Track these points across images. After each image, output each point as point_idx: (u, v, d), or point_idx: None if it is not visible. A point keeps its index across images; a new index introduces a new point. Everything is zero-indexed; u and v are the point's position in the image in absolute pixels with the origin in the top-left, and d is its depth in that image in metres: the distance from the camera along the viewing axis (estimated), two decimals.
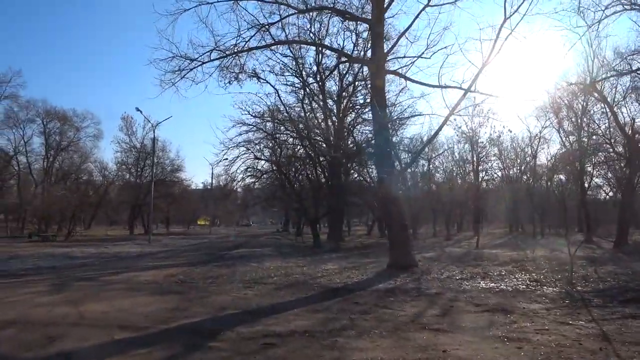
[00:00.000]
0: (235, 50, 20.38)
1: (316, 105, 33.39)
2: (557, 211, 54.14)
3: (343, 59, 22.50)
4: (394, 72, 18.74)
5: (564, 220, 44.72)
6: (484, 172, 52.21)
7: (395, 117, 19.96)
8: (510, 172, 55.19)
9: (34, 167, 56.07)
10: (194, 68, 21.31)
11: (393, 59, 19.63)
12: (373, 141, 28.21)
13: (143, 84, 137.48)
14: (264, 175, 40.13)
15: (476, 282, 12.82)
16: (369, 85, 18.35)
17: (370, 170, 44.42)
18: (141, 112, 35.53)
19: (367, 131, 32.01)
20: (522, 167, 54.01)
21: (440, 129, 16.14)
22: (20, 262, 17.97)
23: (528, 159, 52.84)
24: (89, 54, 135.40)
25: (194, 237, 47.62)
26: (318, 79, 32.00)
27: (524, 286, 12.00)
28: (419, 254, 23.92)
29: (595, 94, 27.22)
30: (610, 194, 48.98)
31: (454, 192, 48.88)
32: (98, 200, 58.22)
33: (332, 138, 31.55)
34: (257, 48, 20.36)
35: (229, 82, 30.48)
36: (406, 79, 18.55)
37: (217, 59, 21.13)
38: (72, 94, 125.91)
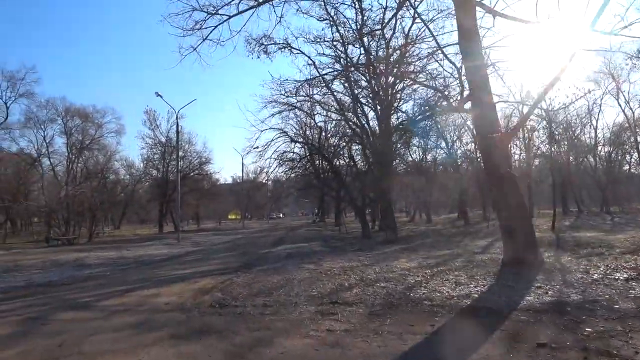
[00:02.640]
0: None
1: (358, 77, 28.80)
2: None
3: None
4: (482, 5, 14.08)
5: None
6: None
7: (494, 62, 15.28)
8: (559, 148, 49.64)
9: (57, 168, 53.50)
10: (219, 24, 17.23)
11: None
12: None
13: (163, 71, 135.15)
14: (302, 161, 36.27)
15: None
16: (454, 25, 13.81)
17: (414, 150, 40.34)
18: (161, 96, 31.66)
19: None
20: (570, 142, 48.49)
21: (559, 76, 11.32)
22: (12, 276, 14.02)
23: (578, 130, 47.71)
24: (103, 46, 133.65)
25: (226, 233, 43.64)
26: (360, 45, 27.33)
27: None
28: (495, 241, 19.63)
29: None
30: None
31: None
32: (125, 200, 55.58)
33: (379, 113, 27.04)
34: None
35: (257, 56, 26.56)
36: (496, 14, 13.91)
37: (247, 9, 16.96)
38: (89, 89, 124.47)
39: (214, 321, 7.05)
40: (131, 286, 10.94)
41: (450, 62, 13.31)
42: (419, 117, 19.97)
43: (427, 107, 23.84)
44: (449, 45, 20.54)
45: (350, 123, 29.11)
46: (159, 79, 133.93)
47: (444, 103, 15.52)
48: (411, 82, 24.54)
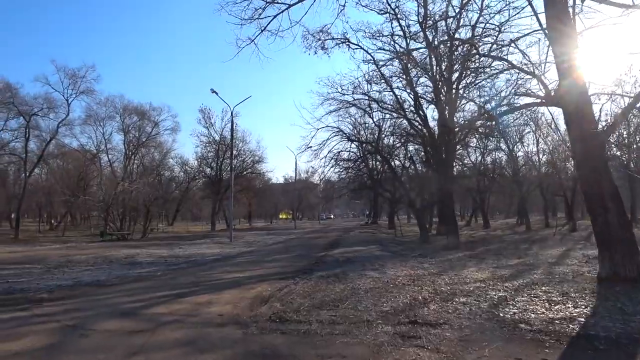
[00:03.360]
0: None
1: (420, 73, 27.26)
2: None
3: None
4: None
5: None
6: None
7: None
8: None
9: (115, 164, 54.77)
10: (279, 14, 16.25)
11: None
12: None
13: (217, 68, 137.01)
14: (358, 161, 35.27)
15: None
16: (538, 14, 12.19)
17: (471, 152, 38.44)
18: (217, 93, 31.10)
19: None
20: None
21: None
22: (61, 272, 13.52)
23: None
24: (158, 43, 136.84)
25: (278, 233, 42.98)
26: (422, 39, 25.81)
27: None
28: (569, 250, 18.11)
29: None
30: None
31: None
32: (179, 197, 56.17)
33: (446, 111, 25.47)
34: None
35: (315, 52, 25.54)
36: None
37: None
38: (146, 87, 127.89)
39: (275, 342, 5.95)
40: (182, 290, 10.04)
41: (549, 37, 11.60)
42: (504, 109, 18.30)
43: (505, 102, 22.12)
44: (526, 34, 18.80)
45: (411, 121, 27.79)
46: (214, 76, 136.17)
47: (540, 92, 13.73)
48: (481, 73, 22.77)
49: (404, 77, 26.66)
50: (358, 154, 39.90)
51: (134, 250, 21.41)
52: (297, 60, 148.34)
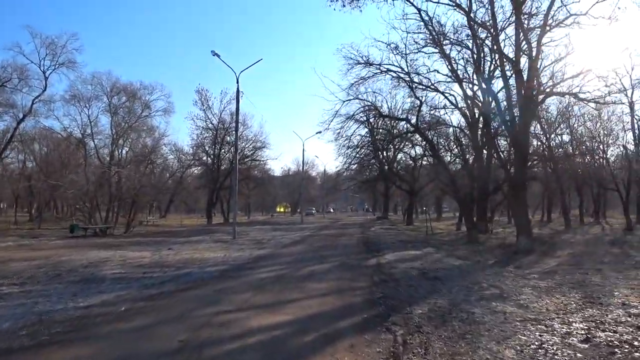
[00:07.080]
0: None
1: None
2: None
3: None
4: None
5: None
6: None
7: None
8: None
9: (102, 150, 48.21)
10: None
11: None
12: None
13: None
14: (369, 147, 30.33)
15: None
16: None
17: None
18: (218, 56, 25.04)
19: None
20: None
21: None
22: None
23: None
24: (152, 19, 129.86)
25: (286, 228, 36.80)
26: None
27: None
28: None
29: None
30: None
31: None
32: (173, 187, 50.72)
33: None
34: None
35: (342, 5, 20.03)
36: None
37: None
38: (138, 66, 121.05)
39: None
40: None
41: None
42: None
43: None
44: None
45: (465, 93, 22.08)
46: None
47: None
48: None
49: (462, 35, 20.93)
50: (370, 140, 35.38)
51: (105, 253, 15.40)
52: (310, 23, 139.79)
